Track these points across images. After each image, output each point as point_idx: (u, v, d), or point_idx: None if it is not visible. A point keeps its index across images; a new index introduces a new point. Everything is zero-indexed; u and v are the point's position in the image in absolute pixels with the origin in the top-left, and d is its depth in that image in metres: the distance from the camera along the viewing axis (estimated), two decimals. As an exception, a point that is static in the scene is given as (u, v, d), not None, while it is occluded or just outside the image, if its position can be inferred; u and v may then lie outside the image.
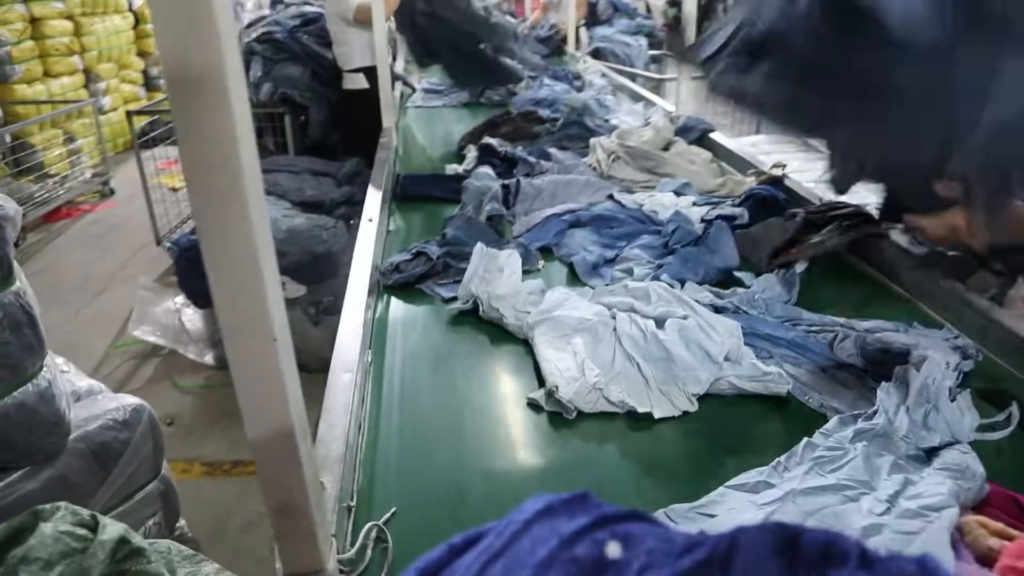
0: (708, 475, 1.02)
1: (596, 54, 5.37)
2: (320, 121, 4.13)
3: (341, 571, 0.85)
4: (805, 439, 1.03)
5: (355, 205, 3.04)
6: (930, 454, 1.01)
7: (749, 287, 1.57)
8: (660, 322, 1.31)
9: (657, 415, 1.16)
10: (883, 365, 1.21)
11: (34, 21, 5.49)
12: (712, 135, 2.65)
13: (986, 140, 1.02)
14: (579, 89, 3.73)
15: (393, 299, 1.61)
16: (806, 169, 3.23)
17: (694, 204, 2.01)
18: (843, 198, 1.69)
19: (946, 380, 1.12)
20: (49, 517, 0.89)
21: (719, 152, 2.55)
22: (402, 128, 3.36)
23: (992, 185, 1.14)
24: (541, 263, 1.75)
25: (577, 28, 5.48)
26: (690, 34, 6.47)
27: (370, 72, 3.55)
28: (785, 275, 1.58)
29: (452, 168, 2.54)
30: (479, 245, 1.59)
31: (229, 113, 0.59)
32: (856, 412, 1.10)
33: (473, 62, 3.81)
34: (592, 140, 2.54)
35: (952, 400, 1.10)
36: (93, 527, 0.86)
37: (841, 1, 1.12)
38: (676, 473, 1.07)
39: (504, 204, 2.04)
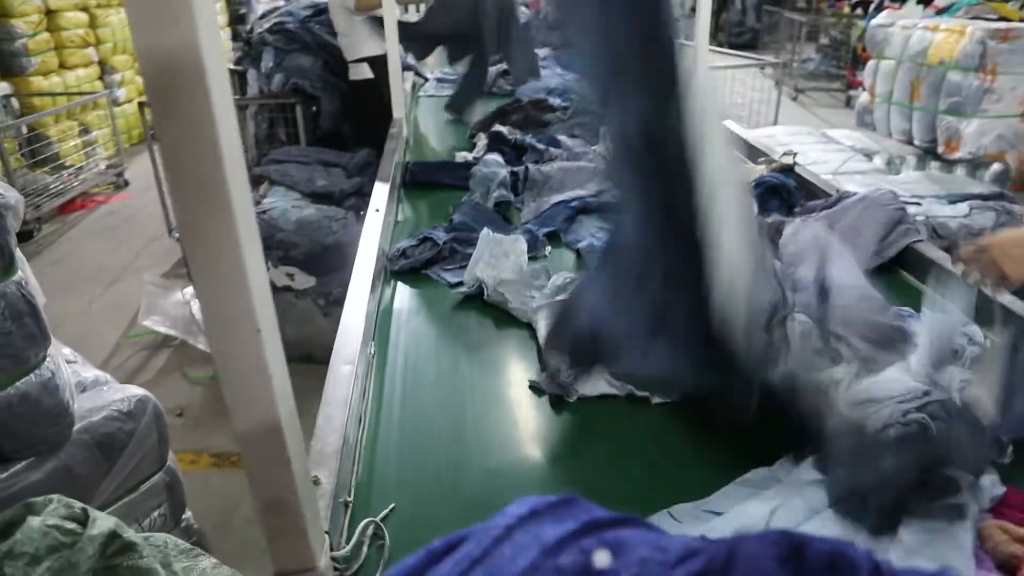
0: (713, 462, 1.00)
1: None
2: (332, 112, 4.10)
3: (335, 568, 0.82)
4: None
5: (365, 196, 3.00)
6: None
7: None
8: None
9: (654, 400, 1.15)
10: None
11: (50, 13, 5.51)
12: (724, 123, 2.59)
13: None
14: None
15: (399, 285, 1.60)
16: (823, 160, 3.17)
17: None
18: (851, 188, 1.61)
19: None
20: (41, 510, 0.87)
21: (731, 141, 2.50)
22: (413, 118, 3.33)
23: None
24: (548, 249, 1.75)
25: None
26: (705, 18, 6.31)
27: (377, 62, 3.49)
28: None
29: (462, 155, 2.52)
30: (485, 230, 1.59)
31: (208, 100, 0.56)
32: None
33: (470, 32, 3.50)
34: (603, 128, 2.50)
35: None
36: (83, 521, 0.84)
37: None
38: (679, 458, 1.05)
39: (513, 191, 2.02)
